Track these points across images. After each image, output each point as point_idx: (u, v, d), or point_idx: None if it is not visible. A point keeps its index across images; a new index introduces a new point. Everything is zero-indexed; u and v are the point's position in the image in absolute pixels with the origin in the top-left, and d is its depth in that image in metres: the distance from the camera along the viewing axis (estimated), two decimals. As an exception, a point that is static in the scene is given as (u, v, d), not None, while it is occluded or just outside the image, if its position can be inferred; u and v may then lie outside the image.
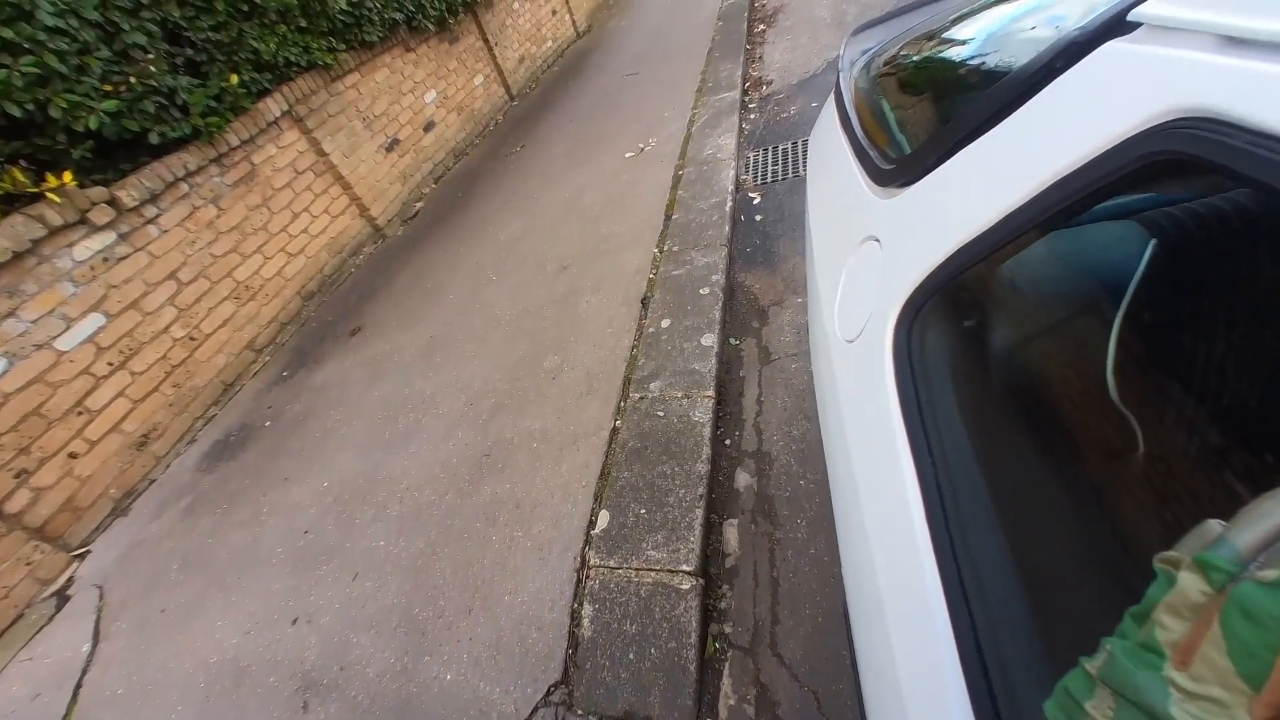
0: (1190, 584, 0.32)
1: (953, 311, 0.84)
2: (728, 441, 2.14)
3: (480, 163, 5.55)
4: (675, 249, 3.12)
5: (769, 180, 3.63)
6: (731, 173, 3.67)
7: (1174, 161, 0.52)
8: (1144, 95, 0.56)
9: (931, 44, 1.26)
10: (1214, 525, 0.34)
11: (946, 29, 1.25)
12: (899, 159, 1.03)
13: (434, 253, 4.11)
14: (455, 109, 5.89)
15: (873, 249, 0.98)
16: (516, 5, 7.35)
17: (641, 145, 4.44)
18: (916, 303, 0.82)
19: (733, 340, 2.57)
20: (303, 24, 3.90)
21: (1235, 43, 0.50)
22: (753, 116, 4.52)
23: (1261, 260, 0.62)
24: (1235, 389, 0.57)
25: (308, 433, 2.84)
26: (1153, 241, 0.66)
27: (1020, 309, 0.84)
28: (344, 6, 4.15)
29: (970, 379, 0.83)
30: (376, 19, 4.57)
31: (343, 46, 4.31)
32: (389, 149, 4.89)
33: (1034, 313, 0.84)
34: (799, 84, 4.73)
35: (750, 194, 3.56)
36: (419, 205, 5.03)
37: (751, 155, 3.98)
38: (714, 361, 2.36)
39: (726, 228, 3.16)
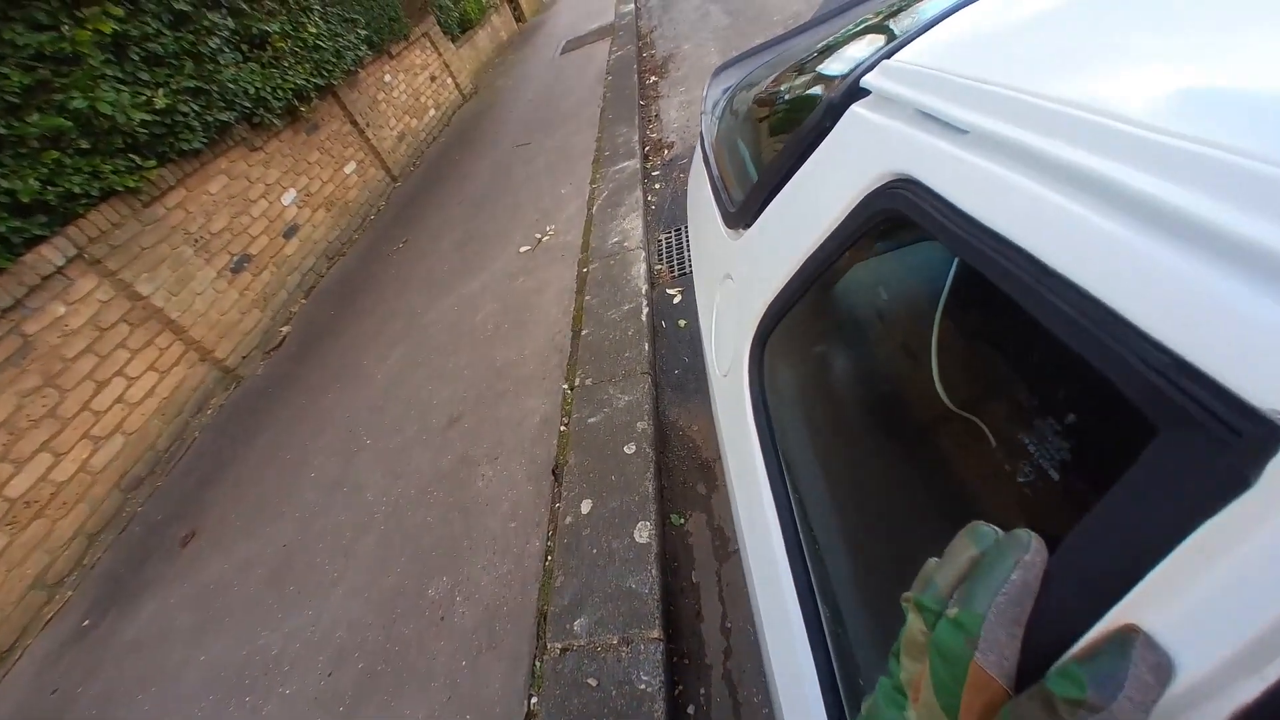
0: (914, 625, 0.33)
1: (794, 339, 0.91)
2: (691, 710, 1.52)
3: (359, 265, 4.79)
4: (589, 382, 2.52)
5: (688, 270, 3.12)
6: (643, 267, 3.14)
7: (897, 218, 0.59)
8: (870, 157, 0.64)
9: (770, 85, 1.28)
10: (931, 564, 0.35)
11: (787, 70, 1.26)
12: (739, 202, 1.08)
13: (297, 401, 3.32)
14: (323, 205, 5.13)
15: (730, 286, 1.03)
16: (389, 78, 6.71)
17: (539, 235, 3.86)
18: (762, 335, 0.89)
19: (675, 518, 1.97)
20: (84, 145, 3.09)
21: (926, 117, 0.57)
22: (658, 187, 4.05)
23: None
24: (1035, 394, 0.60)
25: (107, 730, 2.00)
26: (956, 260, 0.69)
27: (854, 330, 0.92)
28: (145, 117, 3.37)
29: (815, 399, 0.90)
30: (196, 124, 3.80)
31: (152, 163, 3.50)
32: (236, 269, 4.07)
33: (866, 333, 0.91)
34: (703, 145, 4.32)
35: (668, 289, 3.03)
36: (285, 330, 4.21)
37: (663, 238, 3.48)
38: (655, 570, 1.75)
39: (646, 346, 2.60)
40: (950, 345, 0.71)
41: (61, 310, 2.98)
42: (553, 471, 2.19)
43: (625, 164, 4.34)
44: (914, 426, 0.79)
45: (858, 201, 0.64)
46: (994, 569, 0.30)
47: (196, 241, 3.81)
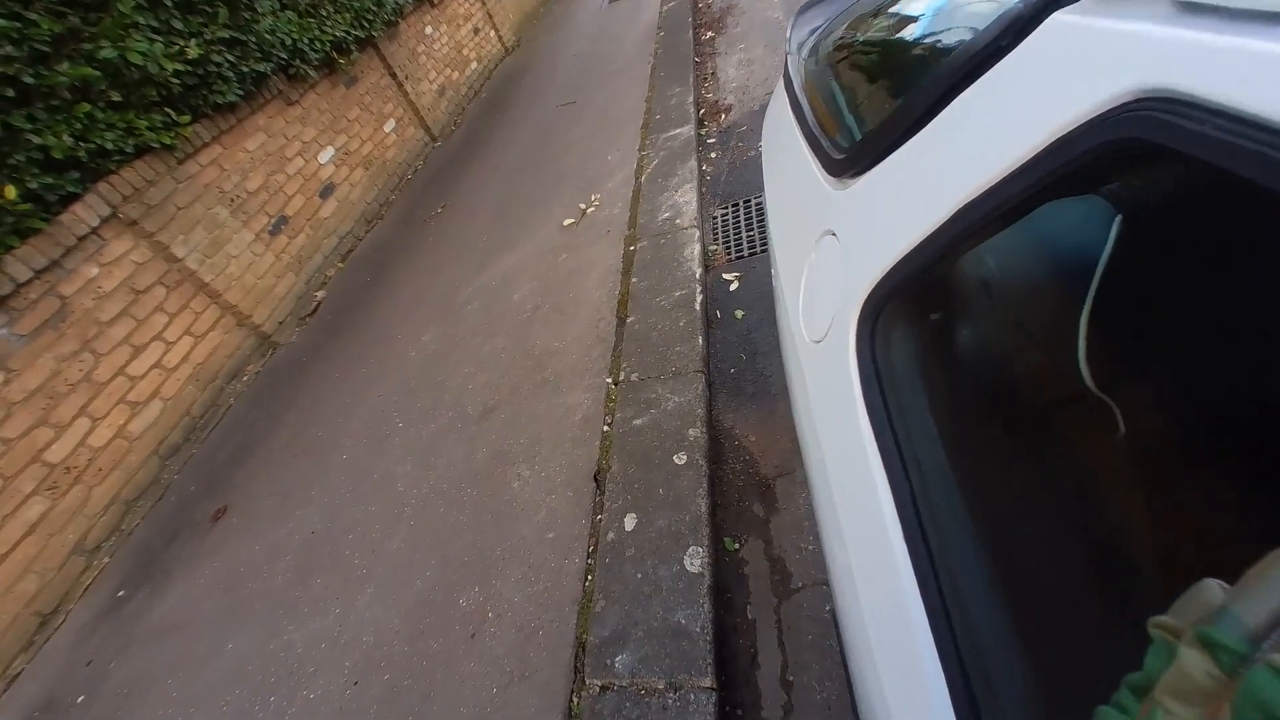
0: (1195, 663, 0.27)
1: (917, 306, 0.77)
2: (746, 777, 1.35)
3: (395, 231, 4.63)
4: (634, 378, 2.31)
5: (745, 252, 2.84)
6: (697, 247, 2.86)
7: (1135, 150, 0.46)
8: (1094, 74, 0.50)
9: (878, 20, 1.16)
10: (1214, 589, 0.29)
11: (893, 3, 1.15)
12: (850, 146, 0.94)
13: (331, 374, 3.22)
14: (361, 164, 4.95)
15: (831, 244, 0.90)
16: (430, 30, 6.40)
17: (583, 206, 3.60)
18: (877, 300, 0.75)
19: (730, 543, 1.77)
20: (117, 98, 2.95)
21: (1194, 9, 0.44)
22: (714, 156, 3.72)
23: (1236, 240, 0.54)
24: (1222, 373, 0.51)
25: None
26: (1119, 218, 0.60)
27: (986, 298, 0.78)
28: (178, 67, 3.20)
29: (940, 377, 0.75)
30: (232, 75, 3.62)
31: (187, 118, 3.36)
32: (274, 231, 3.96)
33: (1001, 302, 0.77)
34: (763, 109, 3.94)
35: (724, 275, 2.76)
36: (320, 296, 4.11)
37: (719, 215, 3.18)
38: (708, 606, 1.56)
39: (700, 340, 2.36)
40: (1104, 319, 0.59)
41: (94, 272, 2.90)
42: (594, 478, 2.00)
43: (678, 130, 3.99)
44: (1060, 413, 0.68)
45: (1062, 135, 0.51)
46: None
47: (233, 202, 3.69)
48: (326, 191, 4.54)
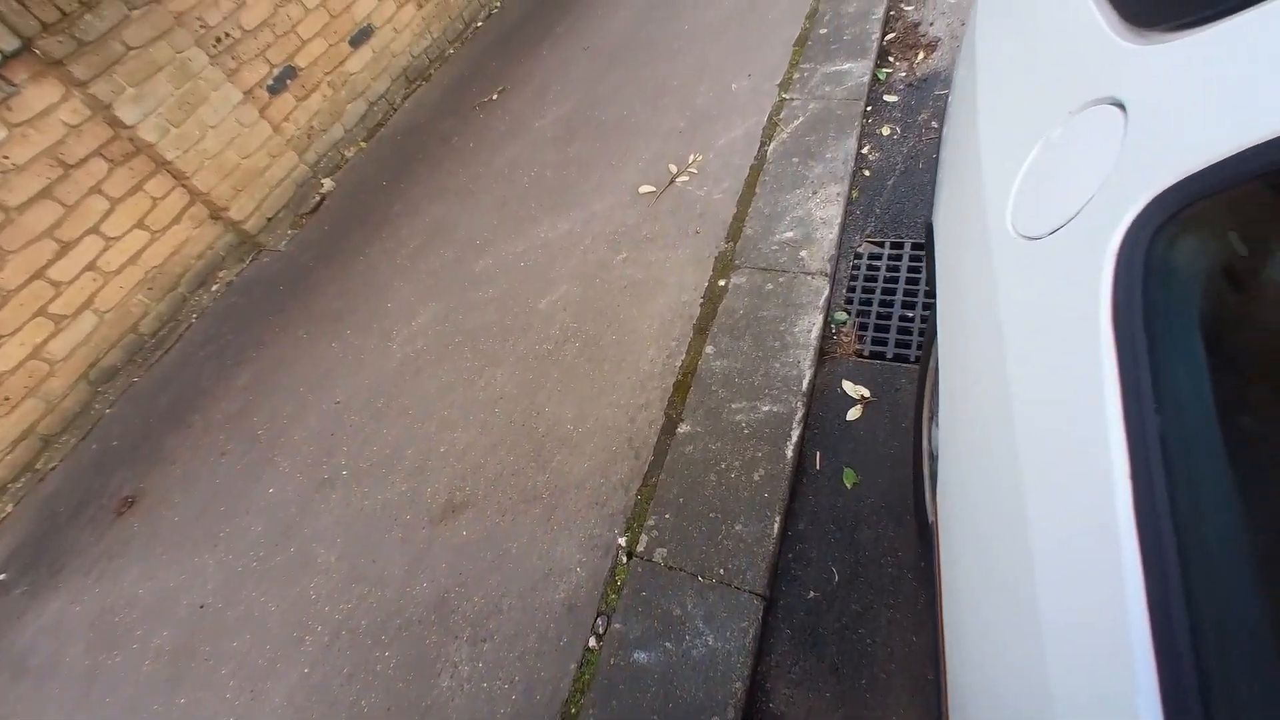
0: None
1: (1230, 229, 0.54)
2: None
3: (438, 108, 3.55)
4: (660, 557, 1.49)
5: (891, 351, 1.80)
6: (819, 319, 1.83)
7: None
8: None
9: None
10: None
11: None
12: None
13: (300, 331, 2.50)
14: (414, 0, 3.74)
15: (1109, 118, 0.69)
16: None
17: (673, 169, 2.47)
18: (1174, 201, 0.55)
19: None
20: None
21: None
22: (886, 134, 2.43)
23: None
24: None
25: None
26: None
27: None
28: None
29: (1234, 329, 0.54)
30: None
31: (146, -96, 2.29)
32: (276, 89, 3.01)
33: None
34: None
35: (846, 384, 1.76)
36: (326, 187, 3.24)
37: (865, 257, 2.06)
38: None
39: (776, 523, 1.48)
40: None
41: (1, 134, 2.13)
42: (551, 738, 1.30)
43: (847, 65, 2.64)
44: None
45: None
46: None
47: (217, 43, 2.72)
48: (361, 36, 3.43)
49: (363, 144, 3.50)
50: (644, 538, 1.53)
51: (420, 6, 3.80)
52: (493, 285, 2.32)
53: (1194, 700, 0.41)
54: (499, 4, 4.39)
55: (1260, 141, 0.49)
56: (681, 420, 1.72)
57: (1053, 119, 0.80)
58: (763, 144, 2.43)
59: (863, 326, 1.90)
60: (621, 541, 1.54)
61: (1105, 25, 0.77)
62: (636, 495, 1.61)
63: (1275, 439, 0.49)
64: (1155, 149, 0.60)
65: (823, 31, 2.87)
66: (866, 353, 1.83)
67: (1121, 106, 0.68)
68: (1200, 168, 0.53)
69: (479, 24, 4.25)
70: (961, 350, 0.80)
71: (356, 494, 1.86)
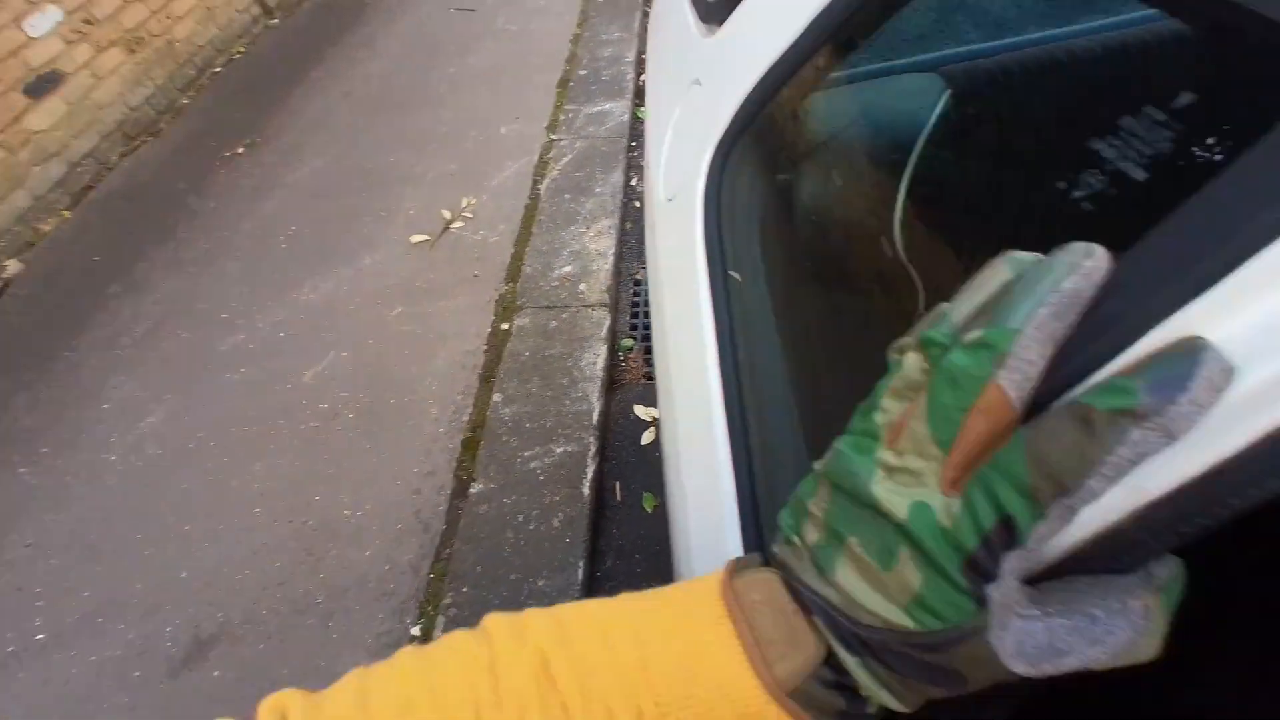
0: (912, 364, 0.28)
1: (762, 160, 0.79)
2: None
3: (167, 169, 3.03)
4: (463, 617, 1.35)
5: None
6: (604, 350, 1.85)
7: None
8: None
9: None
10: (944, 306, 0.29)
11: None
12: None
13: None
14: (122, 43, 3.18)
15: (696, 94, 0.89)
16: None
17: (447, 215, 2.37)
18: (725, 146, 0.75)
19: None
20: None
21: None
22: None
23: (1049, 119, 0.67)
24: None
25: None
26: (947, 93, 0.68)
27: (825, 161, 0.84)
28: None
29: (776, 233, 0.78)
30: None
31: None
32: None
33: (837, 164, 0.84)
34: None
35: (638, 409, 1.80)
36: (11, 269, 2.57)
37: (644, 281, 2.15)
38: None
39: (580, 567, 1.42)
40: (918, 190, 0.65)
41: None
42: None
43: (608, 105, 2.78)
44: (866, 272, 0.73)
45: None
46: (1040, 281, 0.23)
47: None
48: (43, 85, 2.83)
49: (65, 213, 2.86)
50: (440, 619, 1.38)
51: (132, 51, 3.26)
52: (245, 364, 2.00)
53: (749, 505, 0.54)
54: (242, 49, 3.95)
55: (747, 91, 0.70)
56: (474, 480, 1.61)
57: (676, 99, 0.99)
58: (535, 183, 2.44)
59: (648, 350, 1.97)
60: (415, 631, 1.37)
61: (692, 24, 0.99)
62: (429, 575, 1.45)
63: (799, 303, 0.71)
64: (711, 115, 0.79)
65: (583, 73, 3.00)
66: (653, 372, 1.89)
67: (699, 83, 0.89)
68: (727, 123, 0.73)
69: (217, 69, 3.77)
70: (656, 301, 0.96)
71: (59, 663, 1.43)
